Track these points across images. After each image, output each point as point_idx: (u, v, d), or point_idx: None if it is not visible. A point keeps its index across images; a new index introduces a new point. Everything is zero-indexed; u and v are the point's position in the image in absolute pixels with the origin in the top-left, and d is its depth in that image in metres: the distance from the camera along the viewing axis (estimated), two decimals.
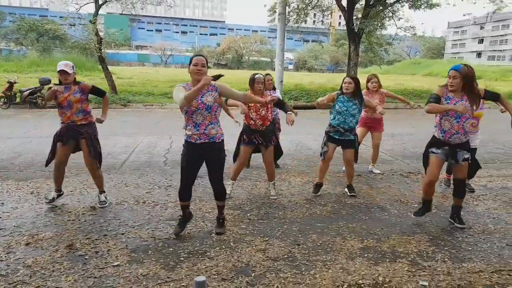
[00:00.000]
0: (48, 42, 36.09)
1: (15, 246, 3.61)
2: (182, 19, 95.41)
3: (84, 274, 3.16)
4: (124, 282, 3.06)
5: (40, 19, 34.81)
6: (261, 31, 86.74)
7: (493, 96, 4.12)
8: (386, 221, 4.40)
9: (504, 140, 9.38)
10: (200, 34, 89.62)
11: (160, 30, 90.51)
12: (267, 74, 6.46)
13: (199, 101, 3.61)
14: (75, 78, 4.58)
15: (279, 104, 4.98)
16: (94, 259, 3.40)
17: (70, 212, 4.48)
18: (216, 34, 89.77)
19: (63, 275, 3.14)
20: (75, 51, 23.70)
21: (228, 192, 4.98)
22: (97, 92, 4.75)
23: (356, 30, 16.23)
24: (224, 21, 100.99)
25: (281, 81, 16.30)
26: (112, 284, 3.03)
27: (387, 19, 17.50)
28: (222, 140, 3.83)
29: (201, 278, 2.28)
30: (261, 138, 4.91)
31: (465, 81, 3.90)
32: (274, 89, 6.51)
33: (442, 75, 37.71)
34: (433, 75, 39.99)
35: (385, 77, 32.69)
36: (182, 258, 3.44)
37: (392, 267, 3.37)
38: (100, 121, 4.63)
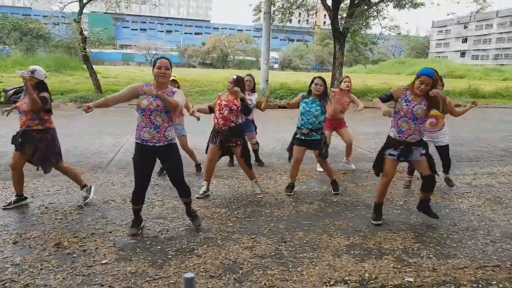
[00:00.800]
0: (31, 41, 35.45)
1: (3, 245, 3.58)
2: (167, 18, 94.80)
3: (72, 272, 3.16)
4: (113, 279, 3.07)
5: (23, 18, 34.18)
6: (246, 30, 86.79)
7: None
8: (371, 218, 4.46)
9: (488, 138, 9.59)
10: (185, 33, 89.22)
11: (145, 29, 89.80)
12: (248, 75, 6.49)
13: (159, 102, 3.63)
14: (37, 83, 4.45)
15: (244, 106, 4.92)
16: (82, 257, 3.39)
17: (57, 211, 4.45)
18: (201, 33, 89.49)
19: (51, 273, 3.13)
20: (59, 50, 23.35)
21: (200, 192, 5.03)
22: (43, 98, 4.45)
23: (341, 30, 16.38)
24: (209, 20, 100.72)
25: (267, 80, 16.37)
26: (100, 281, 3.03)
27: (371, 18, 17.73)
28: (174, 143, 3.85)
29: (190, 274, 2.30)
30: (221, 139, 4.87)
31: (431, 87, 3.92)
32: (253, 91, 6.42)
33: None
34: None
35: (370, 76, 33.10)
36: (170, 256, 3.46)
37: (378, 264, 3.43)
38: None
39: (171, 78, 5.77)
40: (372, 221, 4.32)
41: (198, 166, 6.21)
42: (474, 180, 6.13)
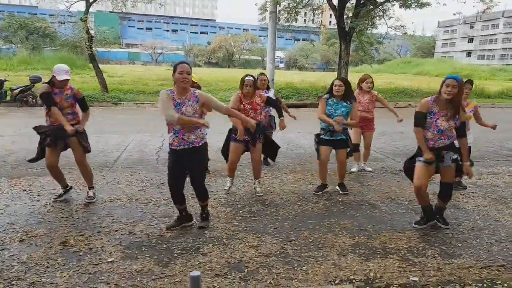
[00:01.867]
0: (38, 40, 35.65)
1: (9, 243, 3.62)
2: (173, 17, 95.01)
3: (78, 270, 3.18)
4: (119, 278, 3.09)
5: (30, 17, 34.41)
6: (252, 29, 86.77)
7: (461, 131, 4.04)
8: (377, 218, 4.47)
9: (494, 138, 9.53)
10: (191, 32, 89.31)
11: (151, 28, 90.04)
12: (261, 74, 6.50)
13: (180, 112, 3.63)
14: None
15: (273, 103, 5.06)
16: (88, 256, 3.42)
17: (63, 209, 4.48)
18: (207, 33, 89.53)
19: (57, 271, 3.16)
20: (65, 49, 23.46)
21: (226, 188, 5.20)
22: (83, 104, 4.77)
23: (347, 29, 16.34)
24: (215, 20, 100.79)
25: (273, 80, 16.35)
26: (106, 280, 3.06)
27: (377, 18, 17.64)
28: (204, 144, 3.87)
29: (196, 273, 2.32)
30: (248, 136, 4.95)
31: (459, 93, 3.87)
32: (268, 88, 6.50)
33: (432, 73, 38.13)
34: (423, 74, 40.36)
35: (375, 76, 32.90)
36: (175, 254, 3.48)
37: (383, 263, 3.43)
38: (80, 129, 4.63)
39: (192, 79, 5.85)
40: (414, 225, 4.26)
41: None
42: (480, 180, 6.10)
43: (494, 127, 5.49)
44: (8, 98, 13.92)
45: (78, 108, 4.77)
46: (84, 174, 4.83)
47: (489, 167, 6.94)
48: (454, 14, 33.65)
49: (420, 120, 3.99)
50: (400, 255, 3.59)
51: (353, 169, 6.41)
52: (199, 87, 6.02)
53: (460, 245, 3.83)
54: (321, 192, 5.25)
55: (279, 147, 5.68)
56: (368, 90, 6.23)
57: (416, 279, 3.20)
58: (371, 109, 6.31)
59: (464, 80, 5.37)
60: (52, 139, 4.53)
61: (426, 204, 4.21)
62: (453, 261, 3.50)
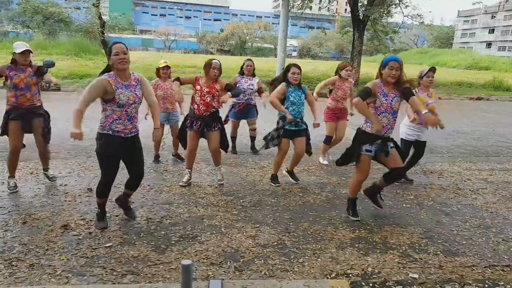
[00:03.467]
0: (54, 25, 35.92)
1: (13, 225, 3.67)
2: (186, 4, 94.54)
3: (77, 253, 3.21)
4: (115, 263, 3.10)
5: (45, 2, 34.65)
6: (265, 17, 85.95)
7: (406, 94, 3.90)
8: (379, 212, 4.40)
9: (508, 133, 9.32)
10: (204, 19, 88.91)
11: (164, 15, 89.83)
12: (248, 59, 6.51)
13: (134, 96, 3.52)
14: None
15: (229, 88, 4.88)
16: (88, 240, 3.44)
17: (67, 193, 4.52)
18: (220, 20, 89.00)
19: (56, 254, 3.19)
20: (79, 35, 23.58)
21: (184, 180, 4.96)
22: (39, 71, 4.53)
23: (360, 17, 16.05)
24: (228, 7, 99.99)
25: (283, 68, 16.20)
26: (103, 264, 3.08)
27: (393, 6, 17.29)
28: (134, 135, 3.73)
29: (187, 261, 2.31)
30: (202, 124, 4.81)
31: (401, 74, 3.80)
32: (253, 75, 6.48)
33: (449, 65, 37.37)
34: (440, 64, 39.59)
35: None
36: (173, 242, 3.48)
37: (382, 258, 3.38)
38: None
39: (163, 65, 5.79)
40: (351, 218, 4.17)
41: (177, 156, 6.14)
42: (491, 176, 5.97)
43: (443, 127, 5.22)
44: None
45: (75, 93, 4.74)
46: (42, 157, 4.85)
47: (502, 163, 6.79)
48: (474, 4, 32.68)
49: (365, 94, 3.84)
50: (401, 250, 3.53)
51: (324, 162, 6.26)
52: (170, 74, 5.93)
53: (464, 242, 3.75)
54: (279, 184, 5.11)
55: (228, 145, 5.30)
56: (347, 78, 6.04)
57: (416, 276, 3.14)
58: (347, 98, 6.11)
59: (427, 68, 5.26)
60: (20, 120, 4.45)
61: (356, 196, 4.23)
62: (455, 259, 3.43)
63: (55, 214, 3.92)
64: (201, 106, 4.77)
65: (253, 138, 6.73)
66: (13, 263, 3.02)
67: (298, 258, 3.32)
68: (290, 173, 5.28)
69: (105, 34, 16.21)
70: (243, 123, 6.71)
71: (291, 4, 17.64)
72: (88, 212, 4.01)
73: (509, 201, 4.93)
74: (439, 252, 3.52)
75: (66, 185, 4.79)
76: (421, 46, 62.03)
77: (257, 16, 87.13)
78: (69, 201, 4.29)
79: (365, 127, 4.01)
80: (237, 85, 6.23)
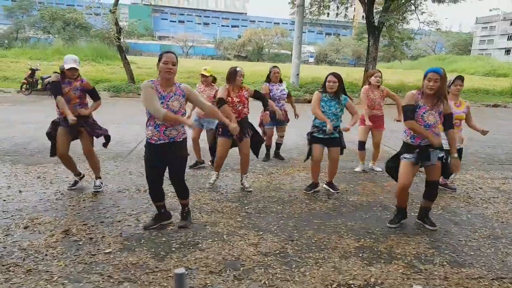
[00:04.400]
0: (73, 31, 36.73)
1: (14, 229, 3.68)
2: (205, 10, 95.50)
3: (75, 259, 3.20)
4: (113, 269, 3.08)
5: (64, 8, 35.47)
6: (282, 23, 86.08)
7: (448, 123, 3.87)
8: (386, 220, 4.27)
9: None
10: (222, 25, 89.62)
11: (183, 21, 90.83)
12: (274, 67, 6.48)
13: (165, 106, 3.49)
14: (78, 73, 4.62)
15: (259, 97, 4.96)
16: (88, 245, 3.43)
17: (71, 198, 4.54)
18: (238, 26, 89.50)
19: (55, 259, 3.18)
20: (96, 40, 24.03)
21: (211, 181, 5.08)
22: (93, 95, 4.76)
23: (375, 24, 15.90)
24: (246, 13, 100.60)
25: (297, 74, 16.16)
26: (101, 271, 3.05)
27: (409, 13, 17.09)
28: (184, 139, 3.72)
29: (181, 270, 2.26)
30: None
31: (442, 85, 3.71)
32: (281, 81, 6.47)
33: (468, 71, 36.72)
34: (458, 71, 38.88)
35: (408, 72, 32.00)
36: (173, 249, 3.44)
37: (386, 269, 3.28)
38: (84, 113, 4.61)
39: (202, 72, 5.83)
40: (387, 224, 4.14)
41: (212, 162, 6.11)
42: (504, 185, 5.78)
43: (483, 133, 5.08)
44: (39, 86, 14.37)
45: (89, 101, 4.79)
46: (91, 165, 4.88)
47: None
48: (490, 10, 32.13)
49: (411, 113, 3.80)
50: (406, 261, 3.42)
51: (357, 169, 6.20)
52: (214, 80, 5.99)
53: (472, 253, 3.62)
54: (312, 191, 5.07)
55: (263, 141, 5.38)
56: (377, 85, 5.96)
57: (420, 287, 3.04)
58: (381, 106, 6.05)
59: (455, 75, 5.14)
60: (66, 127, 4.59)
61: (404, 205, 4.13)
62: (462, 270, 3.30)
63: (58, 219, 3.93)
64: (234, 114, 4.80)
65: (279, 145, 6.69)
66: (11, 268, 3.02)
67: (299, 267, 3.24)
68: (329, 184, 5.20)
69: (122, 39, 16.40)
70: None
71: (307, 11, 17.61)
72: (91, 217, 4.01)
73: None
74: (445, 263, 3.40)
75: (72, 189, 4.81)
76: (438, 53, 61.14)
77: (274, 23, 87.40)
78: (73, 206, 4.30)
79: (402, 138, 4.00)
80: (270, 94, 6.26)
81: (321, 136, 4.89)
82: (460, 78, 5.07)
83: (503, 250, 3.69)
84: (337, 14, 21.22)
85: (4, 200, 4.34)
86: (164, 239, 3.62)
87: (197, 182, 5.31)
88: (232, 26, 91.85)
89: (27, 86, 14.31)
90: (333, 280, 3.08)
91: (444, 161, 3.95)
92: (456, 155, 3.87)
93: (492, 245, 3.80)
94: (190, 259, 3.28)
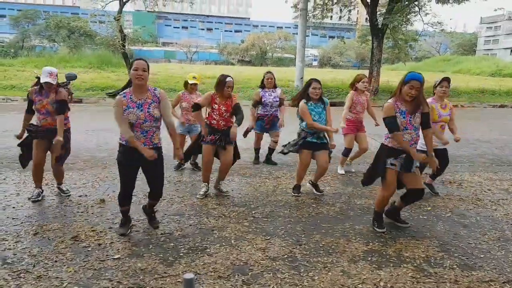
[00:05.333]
0: (78, 39, 36.98)
1: (24, 236, 3.71)
2: (208, 16, 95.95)
3: (84, 265, 3.21)
4: (122, 275, 3.09)
5: (69, 17, 35.75)
6: (286, 27, 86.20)
7: (425, 122, 3.85)
8: (395, 224, 4.26)
9: None
10: (225, 31, 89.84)
11: (186, 27, 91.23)
12: (268, 72, 6.50)
13: (146, 114, 3.53)
14: (57, 83, 4.55)
15: (235, 111, 4.83)
16: (96, 251, 3.45)
17: (80, 204, 4.56)
18: (241, 31, 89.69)
19: (64, 265, 3.20)
20: (101, 48, 24.21)
21: (201, 193, 4.92)
22: (58, 107, 4.48)
23: (379, 26, 15.89)
24: (249, 18, 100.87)
25: (301, 78, 16.15)
26: (110, 276, 3.06)
27: (413, 14, 17.06)
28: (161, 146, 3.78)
29: (190, 275, 2.27)
30: (221, 137, 4.79)
31: (421, 91, 3.69)
32: (275, 87, 6.48)
33: (473, 72, 36.56)
34: (463, 72, 38.73)
35: None
36: (181, 254, 3.45)
37: (395, 272, 3.26)
38: (55, 141, 4.44)
39: (192, 81, 5.84)
40: (377, 229, 4.07)
41: (195, 165, 6.14)
42: None
43: (457, 140, 4.98)
44: None
45: (69, 113, 4.75)
46: (55, 174, 4.89)
47: None
48: (495, 10, 32.04)
49: (394, 124, 3.73)
50: (415, 264, 3.40)
51: (341, 171, 6.17)
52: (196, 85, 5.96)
53: (482, 256, 3.59)
54: (299, 194, 5.05)
55: (239, 158, 5.26)
56: (364, 89, 5.96)
57: None
58: (364, 110, 6.03)
59: (442, 77, 5.10)
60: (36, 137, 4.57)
61: (382, 211, 4.15)
62: (472, 273, 3.28)
63: (67, 225, 3.95)
64: (220, 122, 4.81)
65: (271, 150, 6.68)
66: (21, 274, 3.04)
67: (308, 271, 3.23)
68: (314, 185, 5.20)
69: (126, 46, 16.51)
70: (266, 135, 6.67)
71: (310, 15, 17.64)
72: (99, 223, 4.03)
73: None
74: (455, 266, 3.38)
75: (80, 196, 4.84)
76: (443, 54, 60.94)
77: (277, 27, 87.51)
78: (81, 212, 4.32)
79: (387, 142, 3.92)
80: (263, 100, 6.29)
81: (314, 140, 4.88)
82: (447, 80, 4.99)
83: None
84: (340, 17, 21.26)
85: (14, 207, 4.37)
86: (172, 244, 3.63)
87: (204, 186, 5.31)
88: (235, 31, 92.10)
89: None
90: (342, 284, 3.07)
91: (420, 168, 3.99)
92: (432, 153, 3.89)
93: (503, 247, 3.77)
94: (198, 264, 3.28)
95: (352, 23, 24.93)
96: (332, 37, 74.97)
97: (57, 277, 3.03)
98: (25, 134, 4.67)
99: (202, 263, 3.30)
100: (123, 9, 16.75)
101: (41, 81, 4.38)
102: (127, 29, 17.83)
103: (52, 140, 4.51)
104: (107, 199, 4.73)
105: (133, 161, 3.65)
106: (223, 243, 3.67)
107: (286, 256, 3.47)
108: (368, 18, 16.68)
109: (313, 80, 4.87)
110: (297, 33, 16.92)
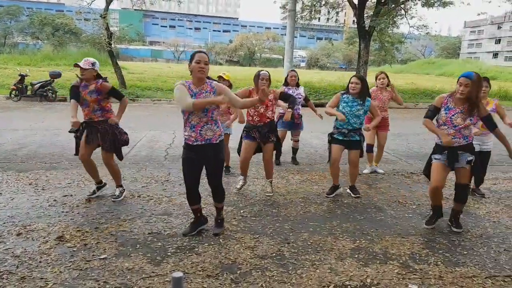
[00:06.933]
0: (63, 36, 36.47)
1: (7, 236, 3.63)
2: (196, 15, 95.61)
3: (70, 266, 3.17)
4: (109, 275, 3.05)
5: (53, 14, 35.21)
6: (274, 28, 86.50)
7: (489, 125, 3.94)
8: (381, 221, 4.32)
9: None
10: (213, 30, 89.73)
11: (174, 26, 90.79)
12: (292, 70, 6.51)
13: None
14: (96, 75, 4.49)
15: (284, 97, 4.91)
16: (82, 252, 3.40)
17: (65, 204, 4.50)
18: (229, 31, 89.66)
19: (49, 266, 3.15)
20: (87, 46, 23.92)
21: (238, 187, 5.10)
22: (115, 94, 4.58)
23: (366, 28, 16.04)
24: (237, 18, 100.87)
25: None
26: (96, 277, 3.03)
27: (399, 17, 17.27)
28: (221, 141, 3.68)
29: (178, 274, 2.25)
30: (257, 134, 4.88)
31: (474, 90, 3.75)
32: (297, 85, 6.50)
33: (456, 75, 37.21)
34: (447, 75, 39.41)
35: (398, 76, 32.31)
36: (169, 253, 3.43)
37: (382, 269, 3.30)
38: (114, 122, 4.55)
39: (220, 74, 5.80)
40: (425, 225, 4.20)
41: (227, 168, 6.06)
42: (494, 185, 5.85)
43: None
44: (28, 92, 14.24)
45: (111, 104, 4.68)
46: (111, 174, 4.79)
47: (507, 172, 6.67)
48: (478, 14, 32.60)
49: (431, 112, 4.00)
50: (401, 261, 3.45)
51: (365, 171, 6.27)
52: (230, 86, 5.93)
53: (465, 252, 3.65)
54: (333, 195, 5.07)
55: (281, 153, 5.45)
56: (383, 86, 6.05)
57: (415, 287, 3.06)
58: (387, 107, 6.14)
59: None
60: (82, 134, 4.57)
61: (439, 204, 4.16)
62: (456, 269, 3.34)
63: (51, 225, 3.89)
64: (255, 117, 4.84)
65: (295, 150, 6.70)
66: (4, 276, 2.98)
67: (296, 269, 3.24)
68: (351, 187, 5.19)
69: (112, 45, 16.33)
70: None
71: (298, 16, 17.70)
72: (85, 223, 3.98)
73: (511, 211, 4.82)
74: (439, 263, 3.43)
75: (65, 195, 4.77)
76: (428, 57, 61.83)
77: (266, 28, 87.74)
78: (66, 212, 4.26)
79: (435, 138, 4.06)
80: None
81: (341, 138, 4.92)
82: (486, 80, 5.04)
83: (495, 249, 3.74)
84: (328, 19, 21.36)
85: None
86: (159, 244, 3.60)
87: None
88: (224, 31, 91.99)
89: (16, 92, 14.15)
90: (330, 281, 3.09)
91: (472, 164, 3.99)
92: None
93: (485, 244, 3.85)
94: (186, 264, 3.26)
95: (339, 25, 25.11)
96: (320, 38, 75.54)
97: (42, 278, 2.98)
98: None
99: (190, 262, 3.28)
100: (110, 7, 16.58)
101: (81, 65, 4.39)
102: (113, 27, 17.61)
103: (96, 135, 4.55)
104: (91, 198, 4.68)
105: (197, 160, 3.63)
106: (211, 242, 3.66)
107: (274, 254, 3.48)
108: (355, 20, 16.81)
109: (353, 76, 5.00)
110: (285, 34, 16.97)
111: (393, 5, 16.10)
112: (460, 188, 4.07)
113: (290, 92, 6.31)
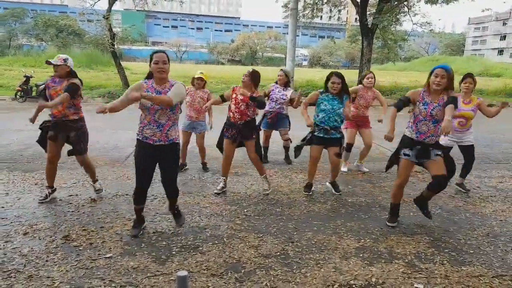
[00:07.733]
0: (67, 38, 36.61)
1: (14, 236, 3.66)
2: (198, 15, 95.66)
3: (76, 265, 3.19)
4: (114, 274, 3.07)
5: (57, 15, 35.38)
6: (276, 27, 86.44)
7: (446, 102, 3.81)
8: (386, 220, 4.30)
9: None
10: (215, 30, 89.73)
11: (176, 27, 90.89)
12: (280, 70, 6.50)
13: None
14: (69, 72, 4.47)
15: (253, 99, 4.79)
16: (88, 251, 3.42)
17: (70, 203, 4.52)
18: (231, 31, 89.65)
19: (56, 265, 3.17)
20: (90, 47, 24.01)
21: (218, 188, 5.02)
22: (69, 88, 4.35)
23: (369, 26, 16.01)
24: (239, 17, 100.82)
25: (292, 77, 16.19)
26: (102, 275, 3.05)
27: (402, 14, 17.22)
28: (174, 143, 3.66)
29: (183, 272, 2.26)
30: (237, 133, 4.85)
31: (449, 83, 3.75)
32: (286, 86, 6.45)
33: (461, 72, 37.04)
34: None
35: (401, 74, 32.21)
36: (174, 252, 3.44)
37: (387, 268, 3.29)
38: (41, 104, 4.33)
39: (197, 76, 5.82)
40: (387, 223, 4.17)
41: (204, 165, 6.12)
42: (501, 184, 5.83)
43: (503, 105, 5.07)
44: (33, 93, 14.32)
45: (82, 104, 4.69)
46: (88, 172, 4.81)
47: None
48: (483, 11, 32.40)
49: (401, 103, 3.97)
50: (406, 260, 3.44)
51: (343, 169, 6.22)
52: (204, 85, 5.95)
53: (472, 251, 3.64)
54: (310, 193, 5.08)
55: (261, 154, 5.33)
56: (370, 86, 6.03)
57: (421, 286, 3.06)
58: (368, 107, 6.13)
59: (461, 74, 5.19)
60: (53, 132, 4.50)
61: (398, 202, 4.19)
62: (462, 268, 3.33)
63: (57, 225, 3.91)
64: (235, 114, 4.84)
65: (286, 148, 6.69)
66: (12, 274, 3.01)
67: (300, 268, 3.25)
68: (333, 184, 5.20)
69: (115, 45, 16.38)
70: (275, 133, 6.67)
71: (300, 14, 17.68)
72: (90, 222, 4.00)
73: None
74: (445, 262, 3.42)
75: (70, 195, 4.80)
76: (432, 54, 61.61)
77: (267, 27, 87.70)
78: (72, 211, 4.28)
79: (405, 131, 4.04)
80: (270, 93, 6.34)
81: (321, 135, 4.90)
82: (470, 76, 5.13)
83: (502, 248, 3.73)
84: (330, 17, 21.33)
85: (3, 207, 4.32)
86: (164, 243, 3.62)
87: (194, 185, 5.31)
88: (226, 31, 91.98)
89: (22, 93, 14.24)
90: (335, 280, 3.09)
91: (445, 157, 3.97)
92: (450, 118, 3.59)
93: (491, 243, 3.83)
94: (191, 262, 3.28)
95: (342, 23, 25.06)
96: (322, 37, 75.36)
97: (49, 277, 3.00)
98: None
99: (194, 261, 3.29)
100: (112, 8, 16.62)
101: (52, 62, 4.41)
102: (116, 28, 17.66)
103: (67, 133, 4.55)
104: (97, 198, 4.70)
105: (143, 157, 3.60)
106: (216, 241, 3.67)
107: (278, 253, 3.48)
108: (358, 18, 16.78)
109: (333, 75, 4.89)
110: (287, 33, 16.96)
111: (396, 2, 16.06)
112: (438, 178, 3.86)
113: (277, 90, 6.36)
